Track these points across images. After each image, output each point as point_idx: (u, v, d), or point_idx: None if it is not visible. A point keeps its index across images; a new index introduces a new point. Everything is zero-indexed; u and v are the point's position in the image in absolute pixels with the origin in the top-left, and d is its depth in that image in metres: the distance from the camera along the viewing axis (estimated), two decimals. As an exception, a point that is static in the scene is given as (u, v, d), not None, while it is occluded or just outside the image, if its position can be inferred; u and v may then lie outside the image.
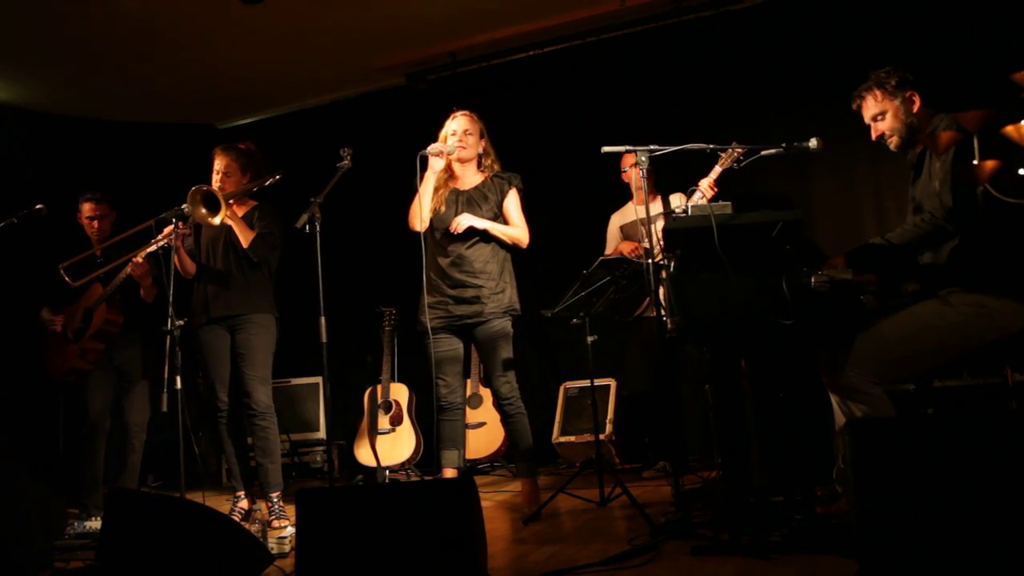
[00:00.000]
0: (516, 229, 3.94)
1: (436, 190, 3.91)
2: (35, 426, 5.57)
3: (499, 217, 3.93)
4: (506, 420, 3.93)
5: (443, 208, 3.90)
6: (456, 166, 3.96)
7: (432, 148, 3.82)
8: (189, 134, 6.65)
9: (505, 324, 3.87)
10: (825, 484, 3.28)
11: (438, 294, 3.86)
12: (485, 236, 3.88)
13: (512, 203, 3.96)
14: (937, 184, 2.87)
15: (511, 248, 3.97)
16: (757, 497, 3.08)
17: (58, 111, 6.21)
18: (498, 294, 3.85)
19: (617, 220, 5.01)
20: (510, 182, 3.97)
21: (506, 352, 3.86)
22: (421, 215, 3.84)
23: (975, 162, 2.22)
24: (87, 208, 4.52)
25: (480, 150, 3.97)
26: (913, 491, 2.09)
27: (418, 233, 3.86)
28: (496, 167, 4.01)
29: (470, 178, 3.98)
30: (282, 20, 5.16)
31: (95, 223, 4.51)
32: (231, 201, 4.04)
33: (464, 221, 3.81)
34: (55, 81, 5.81)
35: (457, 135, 3.91)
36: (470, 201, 3.91)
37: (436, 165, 3.84)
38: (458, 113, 3.97)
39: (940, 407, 3.55)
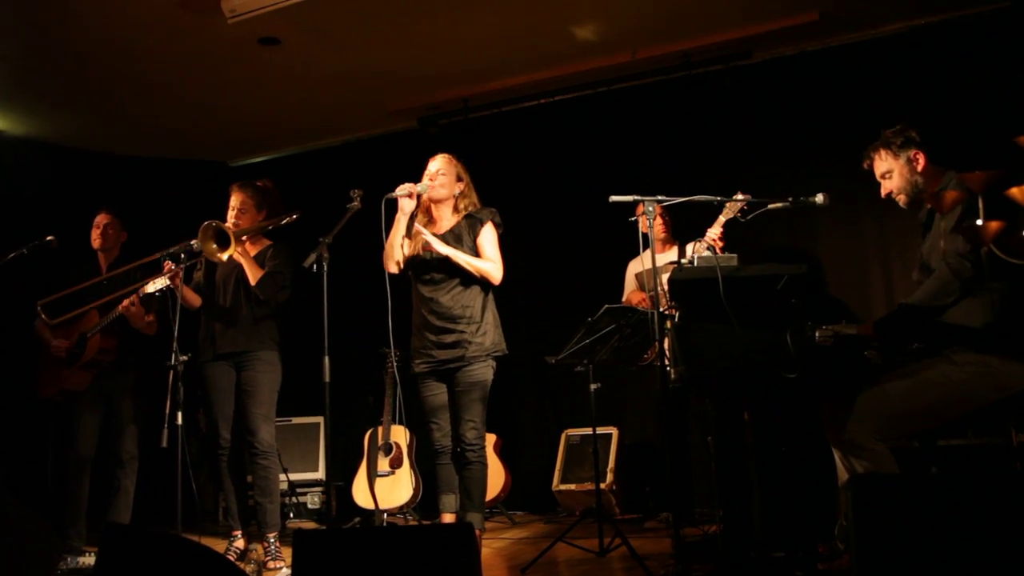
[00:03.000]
0: (486, 263, 3.81)
1: (416, 235, 3.86)
2: (24, 453, 5.44)
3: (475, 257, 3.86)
4: (466, 466, 3.75)
5: (421, 253, 3.84)
6: (433, 209, 3.92)
7: (399, 190, 3.77)
8: (201, 170, 6.72)
9: (486, 370, 3.78)
10: (827, 540, 3.24)
11: (422, 340, 3.83)
12: (463, 279, 3.80)
13: (487, 238, 3.86)
14: (942, 243, 2.88)
15: (492, 288, 3.87)
16: (758, 551, 3.05)
17: (72, 145, 6.28)
18: (480, 336, 3.78)
19: (634, 267, 5.01)
20: (482, 219, 3.88)
21: (481, 398, 3.77)
22: (394, 256, 3.82)
23: (980, 222, 2.24)
24: (98, 218, 4.48)
25: (457, 192, 3.90)
26: (916, 550, 2.07)
27: (394, 275, 3.81)
28: (473, 208, 3.93)
29: (446, 221, 3.92)
30: (298, 62, 5.24)
31: (97, 231, 4.45)
32: (244, 238, 4.07)
33: (430, 239, 3.75)
34: (71, 116, 5.89)
35: (431, 175, 3.88)
36: (445, 243, 3.84)
37: (406, 207, 3.79)
38: (437, 155, 3.94)
39: (944, 466, 3.52)
